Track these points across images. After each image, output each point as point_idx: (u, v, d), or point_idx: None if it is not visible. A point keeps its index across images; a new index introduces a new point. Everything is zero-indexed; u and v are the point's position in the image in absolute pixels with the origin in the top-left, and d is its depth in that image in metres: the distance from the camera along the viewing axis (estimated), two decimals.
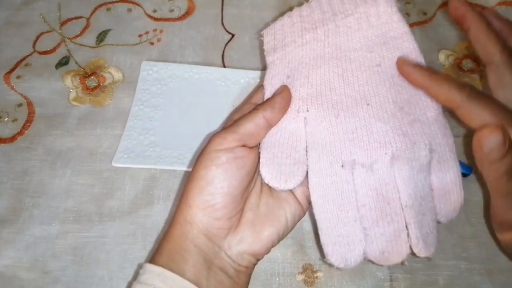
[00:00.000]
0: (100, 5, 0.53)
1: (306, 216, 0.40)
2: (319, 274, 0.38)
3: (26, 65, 0.49)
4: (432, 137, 0.27)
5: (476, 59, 0.49)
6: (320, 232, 0.27)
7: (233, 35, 0.51)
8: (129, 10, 0.53)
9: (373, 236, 0.26)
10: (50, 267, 0.38)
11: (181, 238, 0.28)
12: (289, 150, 0.28)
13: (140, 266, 0.27)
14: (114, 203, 0.41)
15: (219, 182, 0.27)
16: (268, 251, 0.31)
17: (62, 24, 0.52)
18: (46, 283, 0.38)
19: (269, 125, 0.29)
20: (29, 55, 0.50)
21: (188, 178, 0.29)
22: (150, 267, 0.28)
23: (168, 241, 0.29)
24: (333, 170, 0.27)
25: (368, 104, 0.27)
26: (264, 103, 0.30)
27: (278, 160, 0.28)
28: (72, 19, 0.53)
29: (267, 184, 0.28)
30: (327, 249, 0.27)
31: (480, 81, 0.47)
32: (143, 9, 0.53)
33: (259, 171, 0.29)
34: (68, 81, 0.48)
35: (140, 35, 0.51)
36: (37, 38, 0.51)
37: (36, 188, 0.42)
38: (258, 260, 0.31)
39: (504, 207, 0.26)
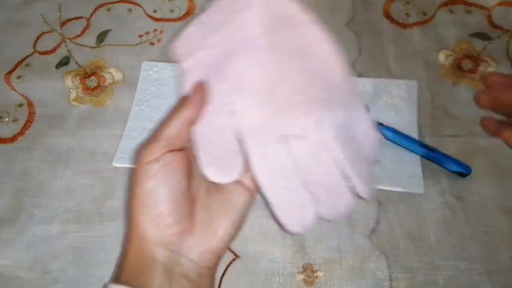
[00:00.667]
0: (100, 6, 0.54)
1: None
2: (319, 273, 0.38)
3: (27, 65, 0.49)
4: (344, 96, 0.31)
5: (475, 59, 0.49)
6: (273, 207, 0.28)
7: None
8: (129, 10, 0.53)
9: (320, 196, 0.29)
10: (50, 267, 0.38)
11: (138, 255, 0.29)
12: (223, 144, 0.30)
13: (105, 286, 0.28)
14: (114, 203, 0.41)
15: (157, 192, 0.28)
16: (228, 244, 0.31)
17: (63, 24, 0.52)
18: (46, 283, 0.38)
19: (189, 123, 0.30)
20: (29, 55, 0.50)
21: (129, 197, 0.30)
22: (114, 286, 0.28)
23: (127, 259, 0.30)
24: (270, 149, 0.29)
25: (284, 82, 0.31)
26: (179, 104, 0.31)
27: (215, 157, 0.30)
28: (72, 19, 0.53)
29: (214, 182, 0.29)
30: (283, 220, 0.29)
31: (479, 81, 0.47)
32: (143, 10, 0.53)
33: (201, 173, 0.30)
34: (69, 81, 0.48)
35: (140, 36, 0.51)
36: (38, 38, 0.51)
37: (36, 188, 0.42)
38: (220, 258, 0.31)
39: None
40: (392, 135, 0.42)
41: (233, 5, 0.33)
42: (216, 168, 0.30)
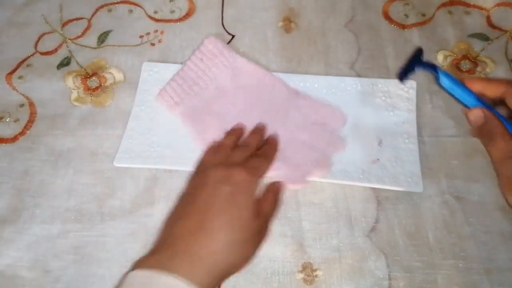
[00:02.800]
0: (101, 6, 0.54)
1: (306, 216, 0.41)
2: (318, 272, 0.38)
3: (28, 65, 0.50)
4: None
5: (474, 60, 0.49)
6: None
7: (233, 36, 0.51)
8: (130, 11, 0.54)
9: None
10: (51, 266, 0.39)
11: None
12: None
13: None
14: (115, 202, 0.41)
15: None
16: None
17: (64, 25, 0.53)
18: (47, 282, 0.38)
19: None
20: (30, 55, 0.50)
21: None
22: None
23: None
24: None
25: (252, 109, 0.45)
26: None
27: None
28: (73, 20, 0.53)
29: None
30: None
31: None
32: (144, 10, 0.54)
33: None
34: (70, 81, 0.48)
35: (141, 36, 0.51)
36: (39, 38, 0.51)
37: (38, 188, 0.42)
38: None
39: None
40: (449, 82, 0.36)
41: (205, 64, 0.47)
42: None
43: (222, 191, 0.34)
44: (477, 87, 0.33)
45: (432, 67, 0.36)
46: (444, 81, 0.36)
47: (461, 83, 0.34)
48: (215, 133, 0.43)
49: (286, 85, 0.46)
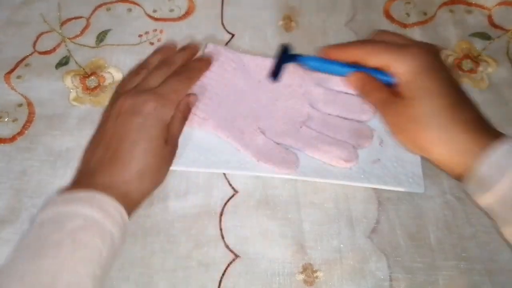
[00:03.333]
0: (100, 5, 0.53)
1: (306, 217, 0.40)
2: (319, 274, 0.38)
3: (26, 65, 0.49)
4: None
5: (475, 59, 0.49)
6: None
7: (233, 35, 0.51)
8: (129, 10, 0.53)
9: None
10: None
11: None
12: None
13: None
14: None
15: None
16: None
17: (62, 24, 0.52)
18: None
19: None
20: (29, 55, 0.50)
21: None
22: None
23: None
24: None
25: (277, 99, 0.45)
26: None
27: None
28: (72, 19, 0.53)
29: None
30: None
31: (479, 81, 0.47)
32: (143, 9, 0.53)
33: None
34: (68, 81, 0.48)
35: (140, 35, 0.51)
36: (37, 38, 0.51)
37: (36, 188, 0.42)
38: None
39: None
40: (314, 63, 0.38)
41: (213, 73, 0.45)
42: None
43: (131, 121, 0.35)
44: (333, 55, 0.36)
45: (295, 58, 0.38)
46: (310, 64, 0.38)
47: (325, 60, 0.37)
48: (253, 134, 0.42)
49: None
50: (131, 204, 0.34)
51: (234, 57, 0.47)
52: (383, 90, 0.34)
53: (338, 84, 0.45)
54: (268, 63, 0.45)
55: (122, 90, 0.39)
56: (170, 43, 0.45)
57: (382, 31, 0.36)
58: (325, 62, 0.37)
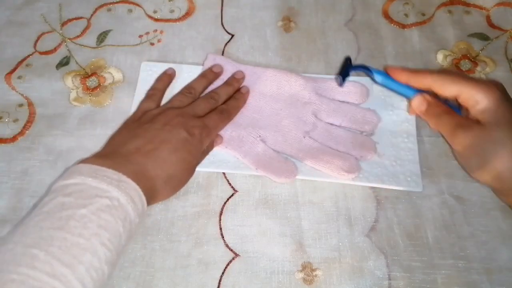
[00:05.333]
0: (101, 6, 0.54)
1: (305, 215, 0.41)
2: (318, 272, 0.38)
3: (27, 65, 0.50)
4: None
5: (474, 59, 0.49)
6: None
7: (232, 36, 0.51)
8: (130, 10, 0.53)
9: None
10: None
11: None
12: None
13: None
14: None
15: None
16: None
17: (63, 24, 0.52)
18: None
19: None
20: (30, 55, 0.50)
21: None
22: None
23: None
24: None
25: (281, 109, 0.45)
26: None
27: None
28: (72, 19, 0.53)
29: None
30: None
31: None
32: (144, 10, 0.53)
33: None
34: (69, 81, 0.48)
35: (140, 36, 0.51)
36: (38, 38, 0.51)
37: (37, 188, 0.42)
38: None
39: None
40: (382, 78, 0.39)
41: (214, 86, 0.45)
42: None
43: (179, 133, 0.37)
44: (403, 78, 0.37)
45: (364, 68, 0.40)
46: (378, 78, 0.39)
47: (393, 79, 0.38)
48: (253, 142, 0.42)
49: (297, 74, 0.46)
50: (149, 201, 0.34)
51: (234, 68, 0.47)
52: (454, 114, 0.36)
53: (342, 94, 0.45)
54: (269, 74, 0.46)
55: (169, 105, 0.42)
56: (216, 66, 0.46)
57: (445, 70, 0.38)
58: (391, 79, 0.38)
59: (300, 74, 0.46)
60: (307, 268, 0.38)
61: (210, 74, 0.46)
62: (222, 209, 0.41)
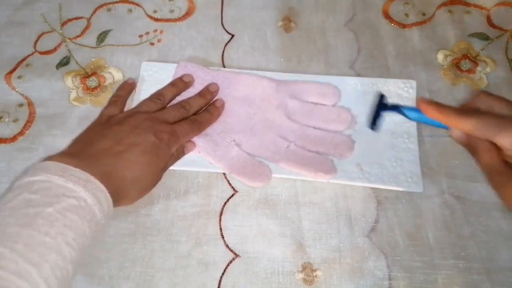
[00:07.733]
0: (101, 6, 0.54)
1: (305, 216, 0.41)
2: (318, 273, 0.38)
3: (27, 65, 0.50)
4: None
5: (474, 59, 0.49)
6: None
7: (232, 36, 0.51)
8: (130, 10, 0.53)
9: None
10: None
11: None
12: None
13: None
14: None
15: None
16: None
17: (63, 24, 0.52)
18: None
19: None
20: (30, 55, 0.50)
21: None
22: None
23: None
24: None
25: (254, 113, 0.45)
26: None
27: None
28: (72, 19, 0.53)
29: None
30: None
31: (477, 81, 0.48)
32: (144, 10, 0.53)
33: None
34: (69, 81, 0.48)
35: (140, 36, 0.51)
36: (38, 38, 0.51)
37: None
38: None
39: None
40: (416, 116, 0.38)
41: (188, 92, 0.45)
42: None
43: (147, 138, 0.37)
44: (436, 118, 0.34)
45: (396, 108, 0.39)
46: (410, 115, 0.38)
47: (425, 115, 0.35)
48: (227, 147, 0.43)
49: (270, 78, 0.46)
50: (114, 203, 0.34)
51: (206, 74, 0.47)
52: (492, 152, 0.32)
53: (315, 96, 0.45)
54: (241, 78, 0.46)
55: (137, 109, 0.41)
56: (186, 76, 0.46)
57: (484, 93, 0.34)
58: (425, 117, 0.36)
59: (273, 78, 0.46)
60: (307, 269, 0.38)
61: (180, 83, 0.45)
62: (222, 209, 0.41)
